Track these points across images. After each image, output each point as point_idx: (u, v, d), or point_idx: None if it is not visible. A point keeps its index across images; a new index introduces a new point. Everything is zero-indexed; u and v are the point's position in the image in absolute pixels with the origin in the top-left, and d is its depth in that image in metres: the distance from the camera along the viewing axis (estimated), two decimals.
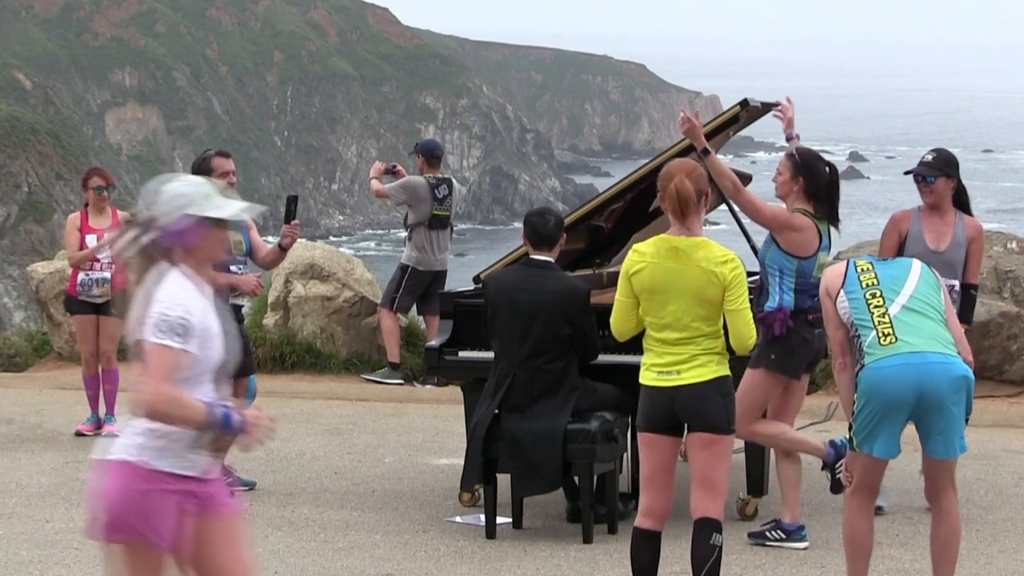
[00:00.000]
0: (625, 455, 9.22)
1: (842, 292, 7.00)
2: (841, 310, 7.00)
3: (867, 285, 6.99)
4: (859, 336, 6.92)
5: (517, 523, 9.06)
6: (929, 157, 9.27)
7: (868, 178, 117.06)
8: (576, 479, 8.95)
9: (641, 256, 6.87)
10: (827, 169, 8.51)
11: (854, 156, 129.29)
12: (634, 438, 9.40)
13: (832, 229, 8.52)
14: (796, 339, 8.39)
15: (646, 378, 6.87)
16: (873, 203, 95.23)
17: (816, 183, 8.41)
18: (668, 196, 6.81)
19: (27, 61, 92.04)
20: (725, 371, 6.86)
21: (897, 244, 9.21)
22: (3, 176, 68.50)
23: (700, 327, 6.78)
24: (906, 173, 9.37)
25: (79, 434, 11.87)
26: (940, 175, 9.14)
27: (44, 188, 69.39)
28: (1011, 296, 13.28)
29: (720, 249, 6.84)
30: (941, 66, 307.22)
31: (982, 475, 10.30)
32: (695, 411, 6.78)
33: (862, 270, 7.06)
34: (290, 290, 15.35)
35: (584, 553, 8.52)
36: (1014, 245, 13.73)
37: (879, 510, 9.22)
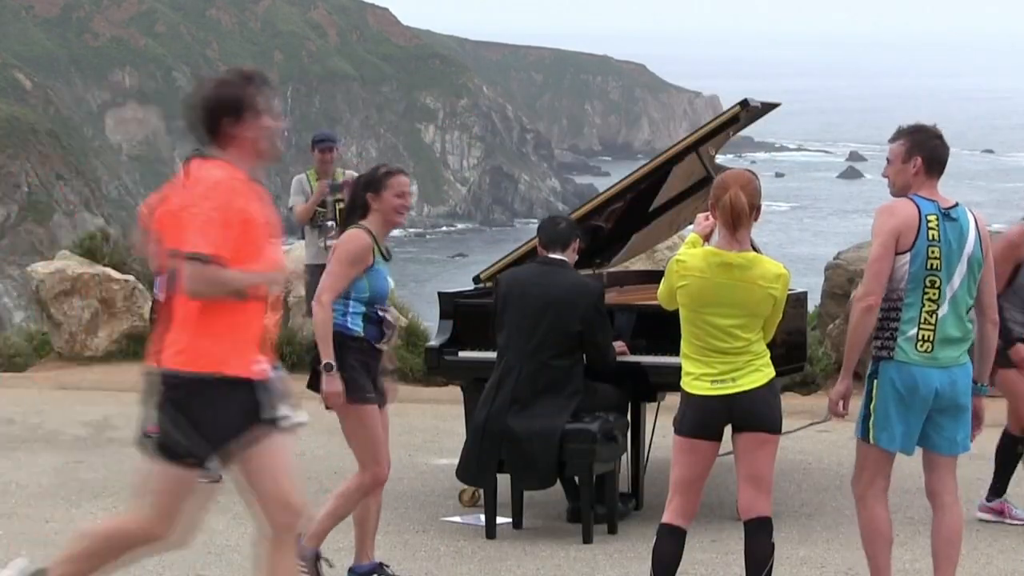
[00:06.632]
0: (624, 455, 9.22)
1: (908, 255, 6.79)
2: (898, 271, 6.81)
3: (932, 267, 6.79)
4: (900, 317, 6.81)
5: (517, 523, 9.06)
6: None
7: (868, 178, 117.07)
8: (576, 479, 8.96)
9: (688, 270, 6.78)
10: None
11: (854, 156, 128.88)
12: (634, 438, 9.45)
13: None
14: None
15: (698, 388, 6.79)
16: (872, 203, 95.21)
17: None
18: (721, 207, 6.74)
19: (27, 61, 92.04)
20: (773, 372, 6.88)
21: (1012, 271, 8.89)
22: (3, 176, 68.52)
23: (749, 337, 6.78)
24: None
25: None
26: None
27: (44, 188, 69.42)
28: None
29: (772, 265, 6.81)
30: (942, 66, 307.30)
31: (982, 475, 10.29)
32: (755, 414, 6.77)
33: (931, 239, 6.79)
34: (290, 290, 15.35)
35: (584, 553, 8.52)
36: None
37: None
